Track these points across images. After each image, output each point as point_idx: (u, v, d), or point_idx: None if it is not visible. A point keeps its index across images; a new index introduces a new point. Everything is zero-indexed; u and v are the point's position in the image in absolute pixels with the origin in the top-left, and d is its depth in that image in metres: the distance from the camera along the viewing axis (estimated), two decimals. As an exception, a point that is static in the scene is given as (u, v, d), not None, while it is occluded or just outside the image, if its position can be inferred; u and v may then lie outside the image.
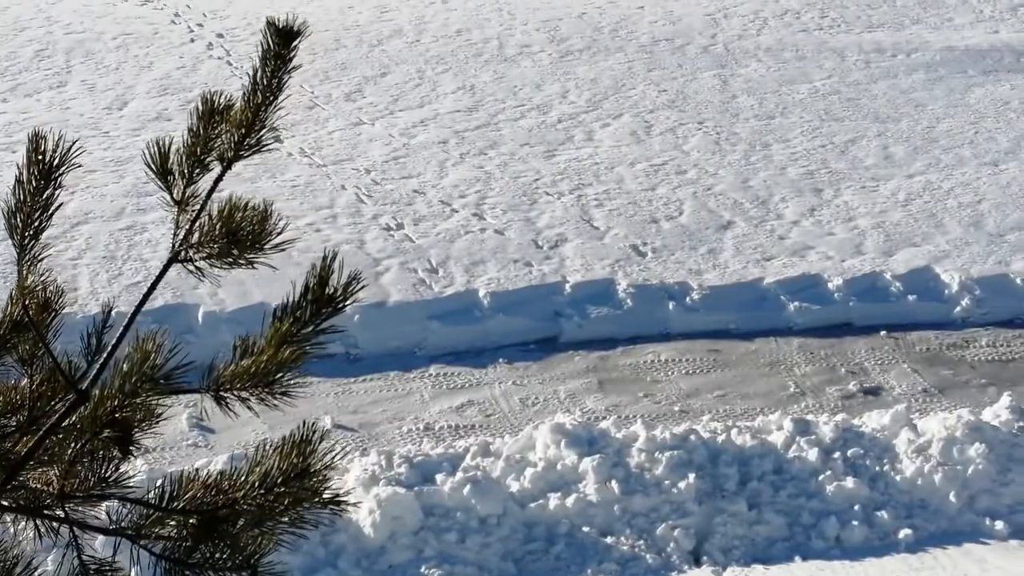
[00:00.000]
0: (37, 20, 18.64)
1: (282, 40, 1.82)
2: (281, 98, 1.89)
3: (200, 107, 1.87)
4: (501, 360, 10.49)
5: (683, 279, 11.45)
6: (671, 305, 11.13)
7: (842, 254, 12.02)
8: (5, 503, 1.91)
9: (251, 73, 1.90)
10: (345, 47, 17.88)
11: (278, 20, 1.82)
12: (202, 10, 19.84)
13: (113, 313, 2.07)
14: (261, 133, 1.87)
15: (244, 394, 1.82)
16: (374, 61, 17.27)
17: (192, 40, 18.10)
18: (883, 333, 11.06)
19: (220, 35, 18.37)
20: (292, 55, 1.86)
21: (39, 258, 1.94)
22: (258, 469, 1.86)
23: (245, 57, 17.19)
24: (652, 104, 15.86)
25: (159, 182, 1.92)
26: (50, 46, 17.43)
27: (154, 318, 9.33)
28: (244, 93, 1.86)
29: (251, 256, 1.86)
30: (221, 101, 1.87)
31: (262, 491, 1.85)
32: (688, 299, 11.23)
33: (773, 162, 14.11)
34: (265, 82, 1.85)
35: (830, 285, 11.48)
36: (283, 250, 1.87)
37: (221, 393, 1.82)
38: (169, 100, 15.27)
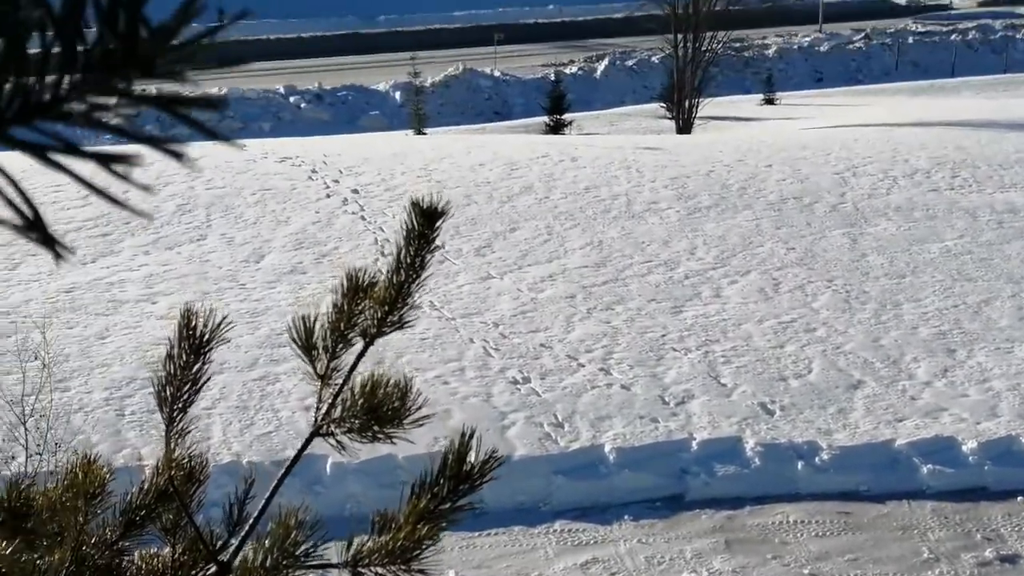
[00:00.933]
0: (180, 175, 19.32)
1: (425, 220, 1.88)
2: (424, 276, 1.94)
3: (344, 284, 1.93)
4: (627, 517, 10.38)
5: (812, 438, 11.28)
6: (800, 465, 10.95)
7: (976, 416, 11.75)
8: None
9: (395, 251, 1.96)
10: (476, 203, 18.20)
11: (422, 200, 1.88)
12: (338, 167, 20.40)
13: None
14: (403, 310, 1.92)
15: (381, 570, 1.84)
16: (504, 217, 17.54)
17: (328, 196, 18.58)
18: (1020, 499, 10.74)
19: (355, 191, 18.84)
20: (435, 235, 1.92)
21: (186, 431, 2.00)
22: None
23: (378, 212, 17.59)
24: (780, 261, 15.83)
25: (303, 356, 1.97)
26: (191, 200, 18.02)
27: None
28: (387, 270, 1.92)
29: (390, 431, 1.90)
30: (365, 278, 1.93)
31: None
32: (818, 459, 11.04)
33: (904, 321, 13.93)
34: (408, 260, 1.90)
35: (964, 448, 11.21)
36: (421, 424, 1.91)
37: (359, 568, 1.85)
38: (304, 254, 15.63)
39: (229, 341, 2.06)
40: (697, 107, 42.23)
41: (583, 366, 12.68)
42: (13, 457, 9.35)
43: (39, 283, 14.04)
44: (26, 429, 9.25)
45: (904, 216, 17.93)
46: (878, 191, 19.26)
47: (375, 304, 1.84)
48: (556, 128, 42.70)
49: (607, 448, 11.05)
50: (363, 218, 17.41)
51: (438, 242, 1.89)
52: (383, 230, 16.66)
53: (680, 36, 42.25)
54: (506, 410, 11.64)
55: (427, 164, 21.21)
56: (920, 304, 14.45)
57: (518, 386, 12.16)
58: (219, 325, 1.97)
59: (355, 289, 1.86)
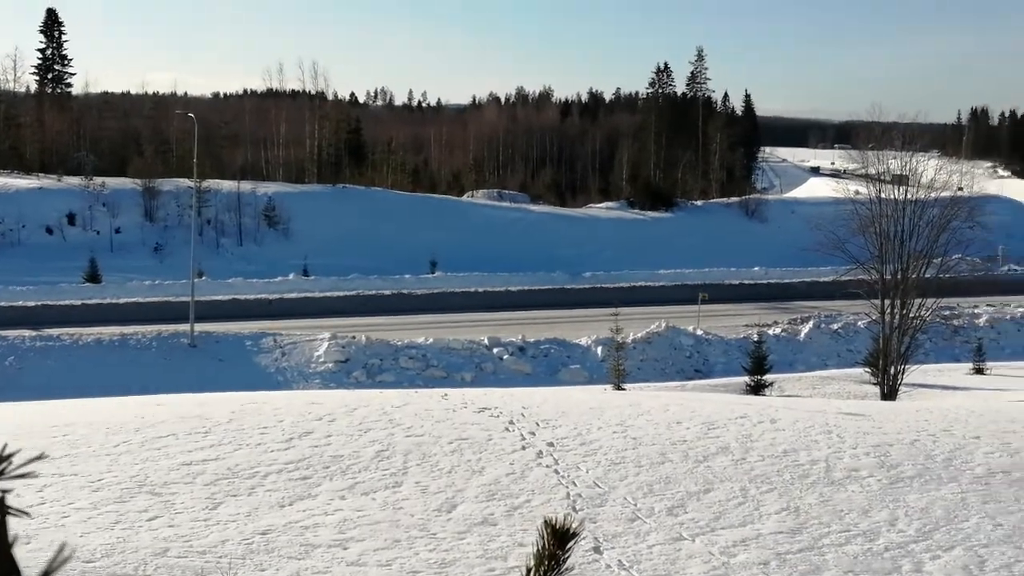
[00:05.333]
0: (381, 423, 19.72)
1: (557, 541, 1.87)
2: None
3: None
4: None
5: None
6: None
7: None
8: None
9: (523, 572, 1.95)
10: (671, 461, 18.06)
11: (555, 520, 1.89)
12: (535, 419, 20.57)
13: None
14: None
15: None
16: (698, 477, 17.34)
17: (523, 448, 18.68)
18: None
19: (551, 444, 18.91)
20: (567, 556, 1.90)
21: None
22: None
23: (572, 467, 17.58)
24: (986, 538, 15.19)
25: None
26: (390, 447, 18.32)
27: None
28: (522, 578, 1.90)
29: None
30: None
31: None
32: None
33: (1121, 609, 13.14)
34: (538, 583, 1.88)
35: None
36: None
37: None
38: (496, 505, 15.66)
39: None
40: (903, 374, 41.56)
41: (775, 638, 12.25)
42: None
43: (236, 524, 14.33)
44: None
45: (1121, 496, 17.10)
46: (1093, 468, 18.47)
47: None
48: (757, 388, 42.47)
49: None
50: (556, 471, 17.42)
51: (570, 562, 1.87)
52: (576, 484, 16.62)
53: (888, 302, 41.96)
54: None
55: (624, 420, 21.22)
56: None
57: (705, 655, 11.80)
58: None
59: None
